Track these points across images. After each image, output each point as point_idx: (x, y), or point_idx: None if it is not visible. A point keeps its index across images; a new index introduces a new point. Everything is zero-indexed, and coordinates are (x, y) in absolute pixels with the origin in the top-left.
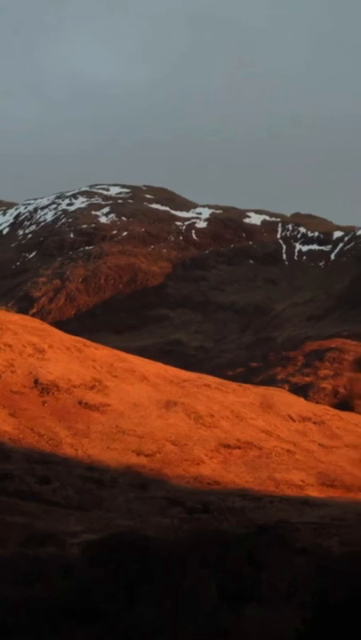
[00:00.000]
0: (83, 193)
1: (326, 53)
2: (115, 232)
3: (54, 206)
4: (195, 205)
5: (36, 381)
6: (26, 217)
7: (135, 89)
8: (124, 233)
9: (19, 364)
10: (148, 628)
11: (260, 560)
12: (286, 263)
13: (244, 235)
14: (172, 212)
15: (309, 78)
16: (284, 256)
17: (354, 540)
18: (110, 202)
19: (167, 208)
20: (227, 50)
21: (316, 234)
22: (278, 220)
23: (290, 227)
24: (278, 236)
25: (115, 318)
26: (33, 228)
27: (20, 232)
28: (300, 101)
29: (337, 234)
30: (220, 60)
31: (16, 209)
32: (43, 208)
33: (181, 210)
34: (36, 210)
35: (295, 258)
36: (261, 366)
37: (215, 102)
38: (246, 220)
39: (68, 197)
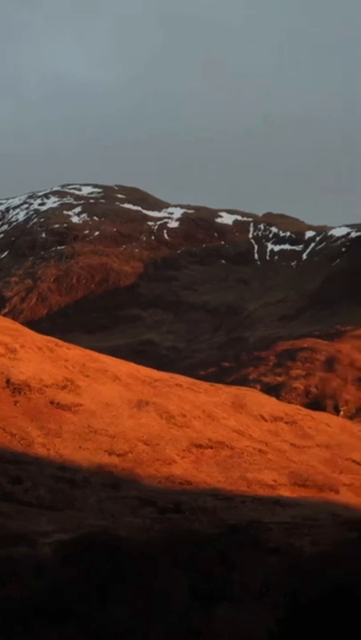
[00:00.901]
0: (55, 193)
1: (299, 53)
2: (87, 232)
3: (26, 206)
4: (167, 205)
5: (7, 381)
6: None
7: (109, 89)
8: (96, 233)
9: None
10: (120, 628)
11: (232, 560)
12: (258, 263)
13: (216, 234)
14: (144, 211)
15: (283, 78)
16: (256, 256)
17: (326, 540)
18: (82, 202)
19: (139, 208)
20: (201, 49)
21: (288, 234)
22: (250, 219)
23: (262, 226)
24: (250, 235)
25: (87, 318)
26: (5, 227)
27: None
28: (274, 101)
29: (309, 234)
30: (194, 60)
31: None
32: (14, 208)
33: (153, 210)
34: (7, 210)
35: (267, 258)
36: (233, 366)
37: (189, 102)
38: (218, 220)
39: (39, 197)
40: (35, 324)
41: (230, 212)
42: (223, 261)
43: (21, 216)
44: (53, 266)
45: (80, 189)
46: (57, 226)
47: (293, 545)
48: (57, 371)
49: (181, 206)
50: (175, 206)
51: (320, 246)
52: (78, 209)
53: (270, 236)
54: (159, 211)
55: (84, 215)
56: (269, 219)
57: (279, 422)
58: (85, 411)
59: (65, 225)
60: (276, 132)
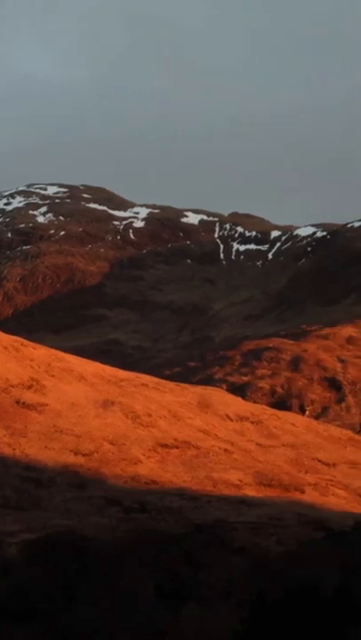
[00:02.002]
0: (20, 192)
1: (262, 53)
2: (52, 232)
3: None
4: (132, 205)
5: None
6: None
7: (73, 88)
8: (62, 232)
9: None
10: (85, 628)
11: (197, 559)
12: (224, 263)
13: (181, 234)
14: (110, 211)
15: (246, 78)
16: (222, 256)
17: (291, 540)
18: (48, 201)
19: (105, 208)
20: (165, 49)
21: (254, 233)
22: (216, 219)
23: (227, 226)
24: (216, 235)
25: (52, 318)
26: None
27: None
28: (238, 101)
29: (274, 233)
30: (158, 60)
31: None
32: None
33: (119, 209)
34: None
35: (233, 257)
36: (199, 366)
37: (154, 101)
38: (184, 220)
39: (5, 197)
40: (0, 324)
41: (196, 211)
42: (189, 261)
43: None
44: (19, 265)
45: (46, 189)
46: (22, 225)
47: (259, 544)
48: (22, 370)
49: (147, 206)
50: (141, 206)
51: (286, 246)
52: (44, 209)
53: (236, 235)
54: (125, 210)
55: (49, 215)
56: (235, 218)
57: (245, 422)
58: (51, 410)
59: (30, 225)
60: (242, 131)
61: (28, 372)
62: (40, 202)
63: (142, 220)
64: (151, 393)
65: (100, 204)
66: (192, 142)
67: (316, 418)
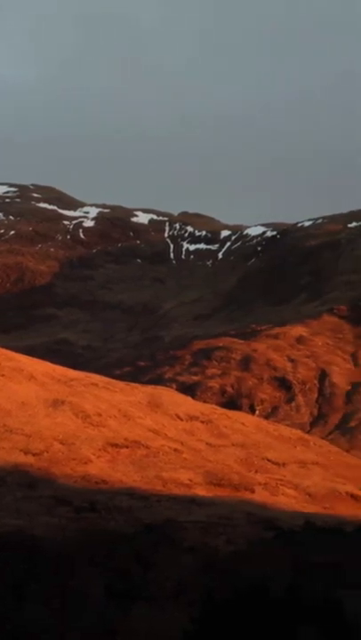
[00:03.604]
0: None
1: (214, 53)
2: (2, 231)
3: None
4: (82, 204)
5: None
6: None
7: (24, 88)
8: (12, 232)
9: None
10: (35, 628)
11: (147, 559)
12: (174, 262)
13: (131, 234)
14: (60, 211)
15: (198, 78)
16: (172, 255)
17: (241, 539)
18: None
19: (55, 207)
20: (117, 49)
21: (204, 233)
22: (166, 219)
23: (177, 226)
24: (166, 235)
25: (2, 317)
26: None
27: None
28: (190, 101)
29: (224, 233)
30: (110, 59)
31: None
32: None
33: (69, 209)
34: None
35: (183, 257)
36: (149, 365)
37: (104, 101)
38: (134, 220)
39: None
40: None
41: (146, 211)
42: (139, 260)
43: None
44: None
45: None
46: None
47: (209, 544)
48: None
49: (97, 205)
50: (91, 205)
51: (235, 245)
52: None
53: (186, 235)
54: (75, 210)
55: None
56: (185, 218)
57: (195, 421)
58: (1, 410)
59: None
60: (193, 131)
61: None
62: None
63: (92, 219)
64: (101, 392)
65: (49, 204)
66: (143, 142)
67: (266, 417)
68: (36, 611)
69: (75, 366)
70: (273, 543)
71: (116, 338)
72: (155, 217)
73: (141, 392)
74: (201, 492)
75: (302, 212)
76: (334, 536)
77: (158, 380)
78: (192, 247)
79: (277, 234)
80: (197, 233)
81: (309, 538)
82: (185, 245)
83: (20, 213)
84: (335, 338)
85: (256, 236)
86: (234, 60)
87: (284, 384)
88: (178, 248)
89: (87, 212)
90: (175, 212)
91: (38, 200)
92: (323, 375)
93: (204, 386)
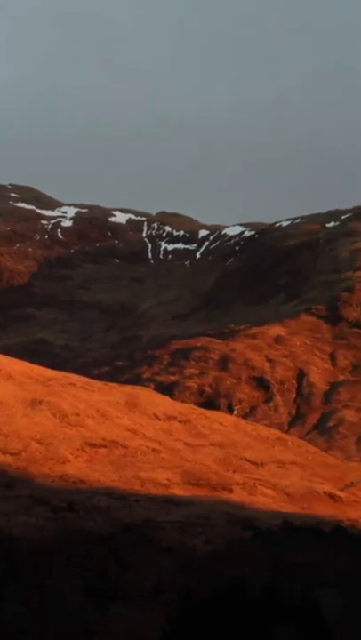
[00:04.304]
0: None
1: (192, 53)
2: None
3: None
4: (60, 204)
5: None
6: None
7: (3, 87)
8: None
9: None
10: (13, 627)
11: (125, 559)
12: (152, 262)
13: (109, 234)
14: (38, 210)
15: (176, 78)
16: (150, 255)
17: (219, 539)
18: None
19: (33, 207)
20: (94, 49)
21: (182, 233)
22: (144, 218)
23: (155, 225)
24: (144, 234)
25: None
26: None
27: None
28: (168, 101)
29: (202, 233)
30: (87, 59)
31: None
32: None
33: (47, 209)
34: None
35: (161, 257)
36: (127, 365)
37: (83, 101)
38: (112, 219)
39: None
40: None
41: (124, 211)
42: (117, 260)
43: None
44: None
45: None
46: None
47: (187, 544)
48: None
49: (75, 205)
50: (69, 205)
51: (214, 245)
52: None
53: (164, 235)
54: (53, 210)
55: None
56: (163, 218)
57: (173, 421)
58: None
59: None
60: (171, 131)
61: None
62: None
63: (70, 219)
64: (79, 392)
65: (28, 204)
66: (121, 142)
67: (245, 417)
68: (14, 610)
69: (53, 366)
70: (251, 543)
71: (94, 337)
72: (133, 217)
73: (119, 392)
74: (179, 491)
75: (280, 211)
76: (312, 536)
77: (136, 380)
78: (170, 247)
79: (256, 234)
80: (175, 233)
81: (287, 538)
82: (163, 245)
83: None
84: (313, 338)
85: (234, 236)
86: (212, 61)
87: (262, 384)
88: (156, 248)
89: (65, 212)
90: (153, 212)
91: (16, 200)
92: (301, 375)
93: (183, 385)
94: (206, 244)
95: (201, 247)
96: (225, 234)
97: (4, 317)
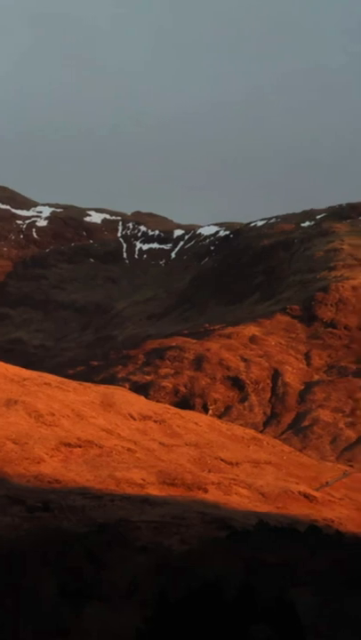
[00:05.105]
0: None
1: (167, 53)
2: None
3: None
4: (35, 204)
5: None
6: None
7: None
8: None
9: None
10: None
11: (100, 558)
12: (127, 262)
13: (84, 233)
14: (13, 210)
15: (152, 77)
16: (125, 255)
17: (194, 539)
18: None
19: (7, 207)
20: (70, 48)
21: (157, 232)
22: (119, 218)
23: (130, 225)
24: (119, 234)
25: None
26: None
27: None
28: (143, 100)
29: (178, 232)
30: (63, 58)
31: None
32: None
33: (22, 208)
34: None
35: (136, 256)
36: (102, 365)
37: (59, 100)
38: (87, 219)
39: None
40: None
41: (99, 210)
42: (92, 260)
43: None
44: None
45: None
46: None
47: (162, 544)
48: None
49: (50, 205)
50: (44, 205)
51: (189, 245)
52: None
53: (139, 234)
54: (28, 209)
55: None
56: (138, 217)
57: (148, 421)
58: None
59: None
60: (146, 130)
61: None
62: None
63: (45, 219)
64: (54, 392)
65: (2, 203)
66: (96, 141)
67: (220, 417)
68: None
69: (28, 365)
70: (226, 543)
71: (69, 337)
72: (108, 216)
73: (94, 392)
74: (154, 491)
75: (256, 211)
76: (287, 536)
77: (111, 380)
78: (145, 247)
79: (230, 233)
80: (150, 232)
81: (262, 537)
82: (138, 245)
83: None
84: (288, 337)
85: (209, 236)
86: (187, 60)
87: (237, 383)
88: (131, 247)
89: (40, 212)
90: (128, 212)
91: None
92: (276, 375)
93: (157, 385)
94: (181, 243)
95: (176, 247)
96: (200, 233)
97: None
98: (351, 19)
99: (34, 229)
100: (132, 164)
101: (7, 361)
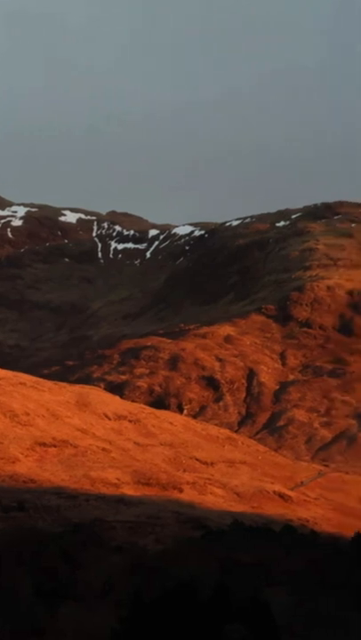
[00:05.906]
0: None
1: (143, 52)
2: None
3: None
4: (10, 204)
5: None
6: None
7: None
8: None
9: None
10: None
11: (75, 558)
12: (102, 262)
13: (59, 233)
14: None
15: (126, 77)
16: (100, 254)
17: (169, 539)
18: None
19: None
20: (46, 48)
21: (132, 232)
22: (94, 218)
23: (106, 225)
24: (94, 234)
25: None
26: None
27: None
28: (118, 100)
29: (153, 232)
30: (39, 58)
31: None
32: None
33: None
34: None
35: (111, 256)
36: (77, 365)
37: (32, 101)
38: (62, 219)
39: None
40: None
41: (74, 210)
42: (67, 260)
43: None
44: None
45: None
46: None
47: (137, 543)
48: None
49: (25, 205)
50: (19, 205)
51: (164, 245)
52: None
53: (114, 234)
54: (3, 209)
55: None
56: (113, 217)
57: (123, 421)
58: None
59: None
60: (121, 130)
61: None
62: None
63: (20, 218)
64: (29, 392)
65: None
66: (71, 141)
67: (195, 417)
68: None
69: (3, 365)
70: (201, 542)
71: (44, 337)
72: (83, 216)
73: (69, 391)
74: (129, 491)
75: (230, 211)
76: (262, 535)
77: (86, 380)
78: (120, 246)
79: (205, 233)
80: (126, 232)
81: (237, 537)
82: (113, 245)
83: None
84: (263, 337)
85: (184, 236)
86: (162, 60)
87: (212, 383)
88: (106, 247)
89: (15, 212)
90: (103, 212)
91: None
92: (251, 374)
93: (133, 385)
94: (156, 243)
95: (151, 247)
96: (175, 233)
97: None
98: (327, 18)
99: (9, 229)
100: (107, 164)
101: None
